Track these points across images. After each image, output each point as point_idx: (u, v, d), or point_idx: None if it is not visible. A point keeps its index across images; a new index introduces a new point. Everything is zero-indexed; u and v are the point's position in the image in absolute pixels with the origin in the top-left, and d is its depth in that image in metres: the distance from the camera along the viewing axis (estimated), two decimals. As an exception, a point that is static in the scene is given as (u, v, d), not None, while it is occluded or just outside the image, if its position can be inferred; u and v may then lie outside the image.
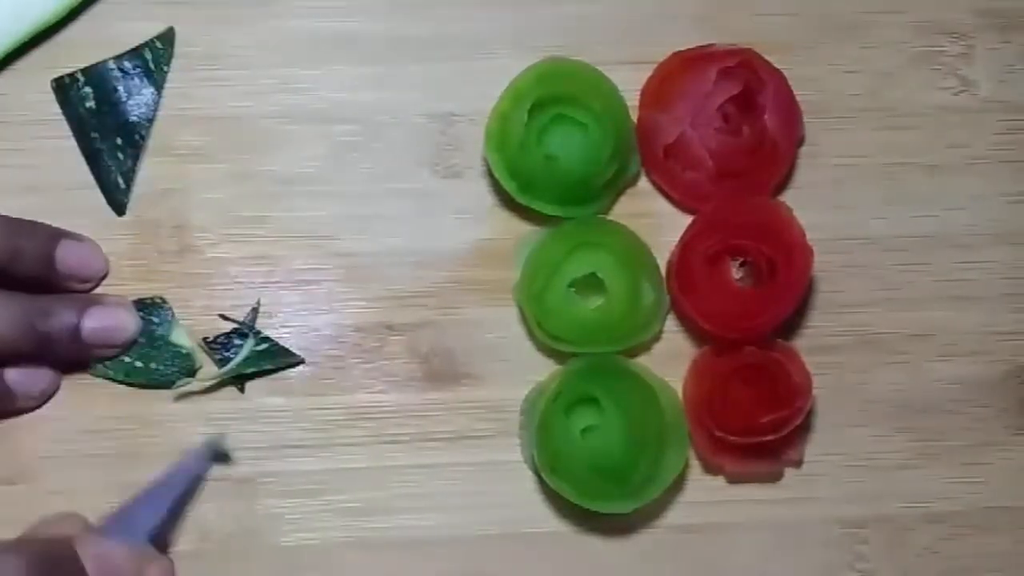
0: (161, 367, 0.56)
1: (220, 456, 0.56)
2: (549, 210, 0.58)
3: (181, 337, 0.56)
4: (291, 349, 0.57)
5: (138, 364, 0.56)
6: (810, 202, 0.59)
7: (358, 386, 0.57)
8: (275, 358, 0.57)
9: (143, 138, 0.58)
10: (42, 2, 0.57)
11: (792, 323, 0.58)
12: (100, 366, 0.56)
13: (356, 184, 0.58)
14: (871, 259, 0.59)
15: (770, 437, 0.55)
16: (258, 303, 0.57)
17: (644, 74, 0.59)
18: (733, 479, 0.57)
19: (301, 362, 0.57)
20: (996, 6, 0.62)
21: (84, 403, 0.55)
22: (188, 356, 0.56)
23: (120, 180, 0.58)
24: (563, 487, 0.55)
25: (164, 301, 0.57)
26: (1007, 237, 0.60)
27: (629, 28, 0.60)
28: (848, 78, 0.61)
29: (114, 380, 0.56)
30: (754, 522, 0.57)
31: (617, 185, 0.59)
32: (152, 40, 0.58)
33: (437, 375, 0.57)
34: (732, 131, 0.58)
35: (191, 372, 0.56)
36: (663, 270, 0.58)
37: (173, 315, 0.56)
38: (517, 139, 0.57)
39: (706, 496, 0.57)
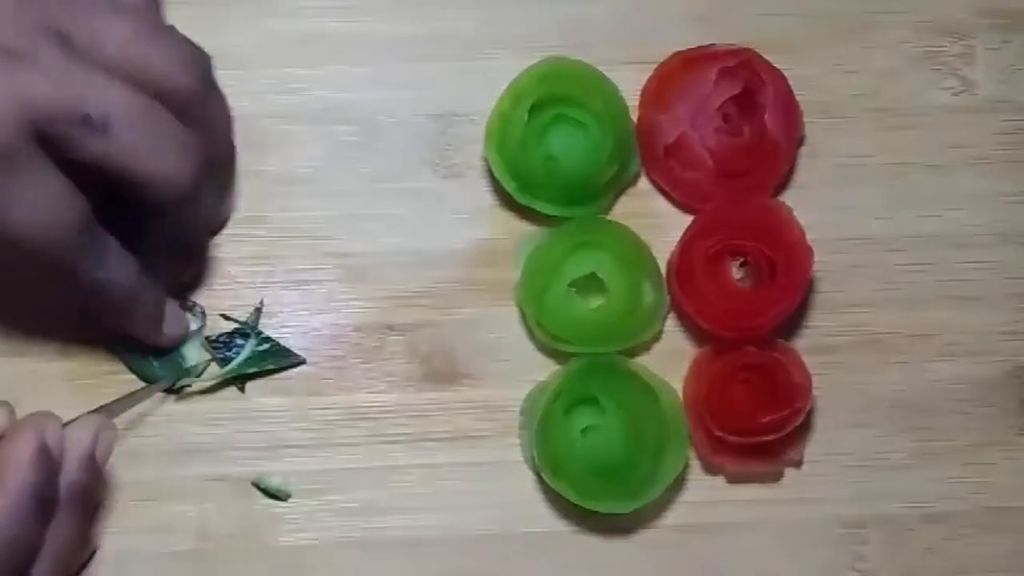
0: (157, 364, 0.56)
1: (274, 494, 0.56)
2: (549, 210, 0.58)
3: (192, 350, 0.56)
4: (291, 349, 0.57)
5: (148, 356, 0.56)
6: (810, 202, 0.59)
7: (358, 386, 0.57)
8: (277, 358, 0.57)
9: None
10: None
11: (792, 323, 0.58)
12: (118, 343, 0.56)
13: (356, 184, 0.59)
14: (871, 259, 0.59)
15: (770, 437, 0.55)
16: (261, 303, 0.57)
17: (644, 74, 0.59)
18: (733, 479, 0.57)
19: (302, 362, 0.57)
20: (996, 6, 0.62)
21: (83, 403, 0.55)
22: (184, 369, 0.56)
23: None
24: (563, 487, 0.55)
25: (204, 314, 0.57)
26: (1009, 237, 0.60)
27: (629, 28, 0.60)
28: (848, 78, 0.61)
29: (116, 356, 0.56)
30: (754, 522, 0.57)
31: (617, 185, 0.59)
32: (152, 40, 0.58)
33: (437, 375, 0.57)
34: (732, 131, 0.58)
35: (175, 386, 0.56)
36: (663, 270, 0.58)
37: (201, 326, 0.57)
38: (517, 139, 0.57)
39: (706, 496, 0.57)
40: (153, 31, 0.48)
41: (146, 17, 0.49)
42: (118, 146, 0.47)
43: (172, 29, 0.50)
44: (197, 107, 0.49)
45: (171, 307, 0.55)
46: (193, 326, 0.57)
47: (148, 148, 0.48)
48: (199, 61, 0.50)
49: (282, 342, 0.57)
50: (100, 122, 0.46)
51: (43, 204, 0.47)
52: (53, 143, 0.46)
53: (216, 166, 0.52)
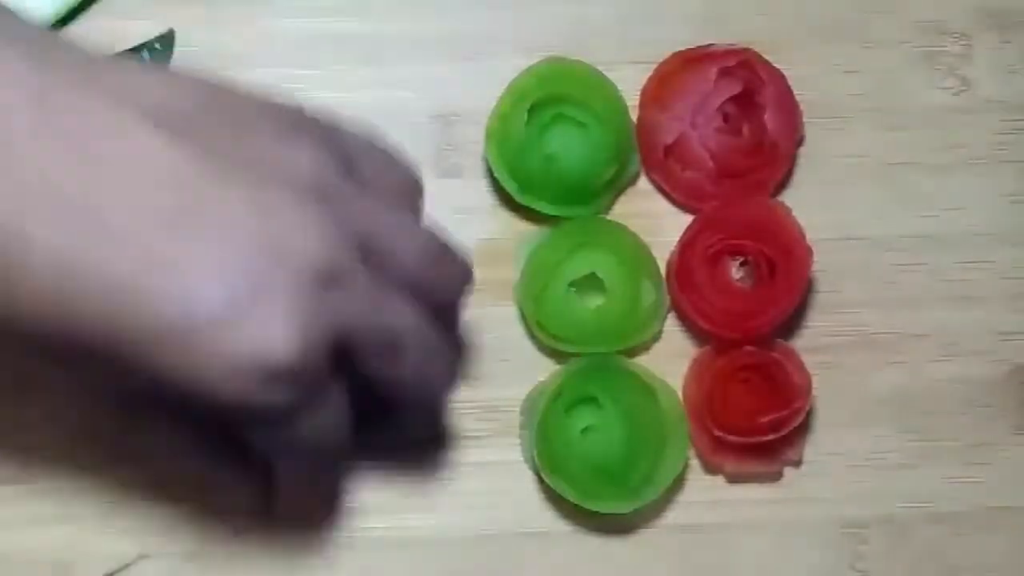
0: None
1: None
2: (549, 210, 0.58)
3: None
4: (291, 349, 0.57)
5: None
6: (810, 202, 0.59)
7: (358, 386, 0.57)
8: (276, 358, 0.57)
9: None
10: (40, 3, 0.57)
11: (792, 323, 0.58)
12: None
13: (356, 184, 0.59)
14: (871, 259, 0.59)
15: (770, 437, 0.55)
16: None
17: (644, 74, 0.59)
18: (733, 479, 0.57)
19: (302, 362, 0.57)
20: (996, 6, 0.61)
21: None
22: None
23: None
24: (563, 487, 0.55)
25: None
26: (1008, 237, 0.60)
27: (629, 28, 0.60)
28: (848, 78, 0.61)
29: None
30: (754, 522, 0.57)
31: (617, 185, 0.59)
32: (151, 41, 0.58)
33: (437, 375, 0.57)
34: (732, 131, 0.58)
35: None
36: (663, 270, 0.58)
37: None
38: (517, 139, 0.57)
39: (706, 496, 0.57)
40: (442, 249, 0.47)
41: (435, 234, 0.48)
42: (406, 368, 0.45)
43: (452, 246, 0.48)
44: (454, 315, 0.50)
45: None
46: None
47: (425, 369, 0.46)
48: (468, 275, 0.49)
49: (282, 342, 0.57)
50: (399, 345, 0.45)
51: (330, 422, 0.45)
52: (352, 365, 0.44)
53: None
